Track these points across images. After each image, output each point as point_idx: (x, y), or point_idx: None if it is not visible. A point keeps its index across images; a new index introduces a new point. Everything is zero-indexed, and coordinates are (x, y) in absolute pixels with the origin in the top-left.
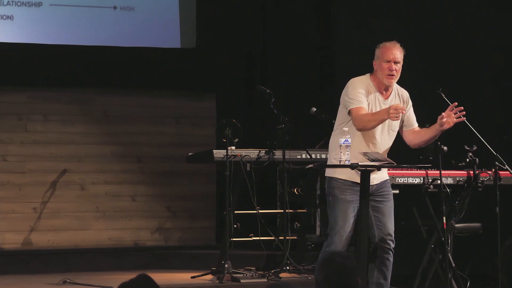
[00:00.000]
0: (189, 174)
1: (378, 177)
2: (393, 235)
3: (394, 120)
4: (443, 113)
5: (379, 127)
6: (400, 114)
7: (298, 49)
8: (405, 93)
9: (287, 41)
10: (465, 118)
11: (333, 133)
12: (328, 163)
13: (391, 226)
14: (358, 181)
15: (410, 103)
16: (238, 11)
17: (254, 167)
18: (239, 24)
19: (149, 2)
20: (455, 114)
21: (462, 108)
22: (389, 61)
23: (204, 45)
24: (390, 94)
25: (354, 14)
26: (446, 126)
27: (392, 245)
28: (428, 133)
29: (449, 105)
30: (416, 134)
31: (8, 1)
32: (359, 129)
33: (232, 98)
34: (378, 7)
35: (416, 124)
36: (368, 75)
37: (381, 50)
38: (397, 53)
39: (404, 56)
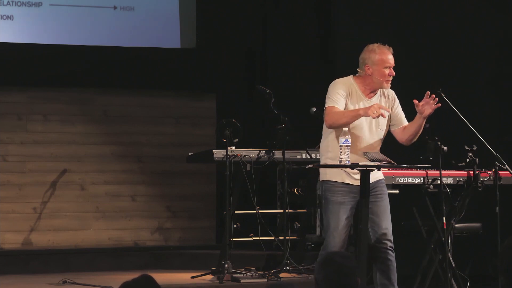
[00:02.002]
0: (189, 174)
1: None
2: (389, 234)
3: (372, 117)
4: (420, 102)
5: (366, 125)
6: (383, 112)
7: (298, 49)
8: (390, 92)
9: (287, 41)
10: (440, 104)
11: (322, 137)
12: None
13: (385, 226)
14: (349, 182)
15: (397, 101)
16: (238, 11)
17: (254, 167)
18: (239, 24)
19: (149, 2)
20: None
21: (434, 96)
22: (390, 67)
23: (204, 45)
24: (375, 94)
25: (354, 14)
26: (426, 113)
27: (390, 244)
28: (413, 125)
29: (450, 105)
30: (404, 131)
31: (8, 1)
32: (329, 125)
33: (232, 98)
34: (378, 7)
35: (405, 122)
36: (351, 76)
37: (379, 56)
38: (392, 57)
39: (401, 55)
